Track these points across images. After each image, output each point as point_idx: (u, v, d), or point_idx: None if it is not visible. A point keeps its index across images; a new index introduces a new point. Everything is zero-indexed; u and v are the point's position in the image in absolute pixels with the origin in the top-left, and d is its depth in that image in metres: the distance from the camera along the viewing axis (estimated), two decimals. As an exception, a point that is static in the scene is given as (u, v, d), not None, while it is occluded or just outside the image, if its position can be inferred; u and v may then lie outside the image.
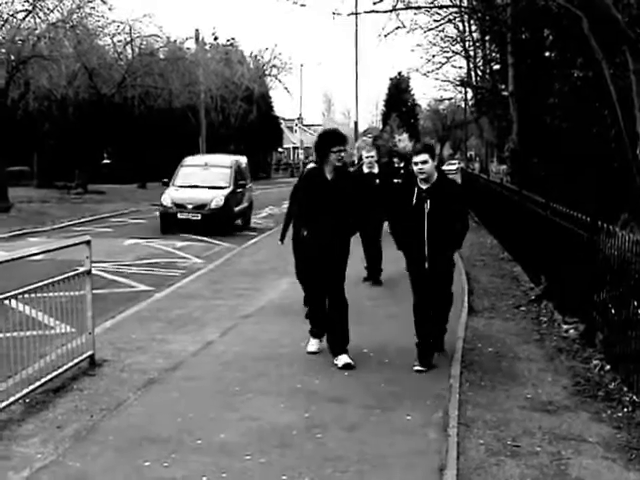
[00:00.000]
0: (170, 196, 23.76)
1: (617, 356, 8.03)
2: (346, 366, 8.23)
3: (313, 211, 8.57)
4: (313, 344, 9.00)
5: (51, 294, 7.55)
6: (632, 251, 7.76)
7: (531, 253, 13.62)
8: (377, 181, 13.23)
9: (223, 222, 23.01)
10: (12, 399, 6.75)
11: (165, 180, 26.07)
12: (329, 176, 8.53)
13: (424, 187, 8.16)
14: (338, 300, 8.62)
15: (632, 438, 6.41)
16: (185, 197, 23.54)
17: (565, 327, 10.01)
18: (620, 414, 7.00)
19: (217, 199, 23.32)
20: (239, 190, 25.22)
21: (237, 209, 24.81)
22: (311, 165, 9.29)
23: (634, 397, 7.23)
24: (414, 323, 8.43)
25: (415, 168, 8.10)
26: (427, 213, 8.06)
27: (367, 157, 13.31)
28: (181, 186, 24.47)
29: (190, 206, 23.12)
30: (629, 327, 7.62)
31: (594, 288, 9.11)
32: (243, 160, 28.04)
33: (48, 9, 32.57)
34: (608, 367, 8.14)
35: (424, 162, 8.07)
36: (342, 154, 8.49)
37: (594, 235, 9.06)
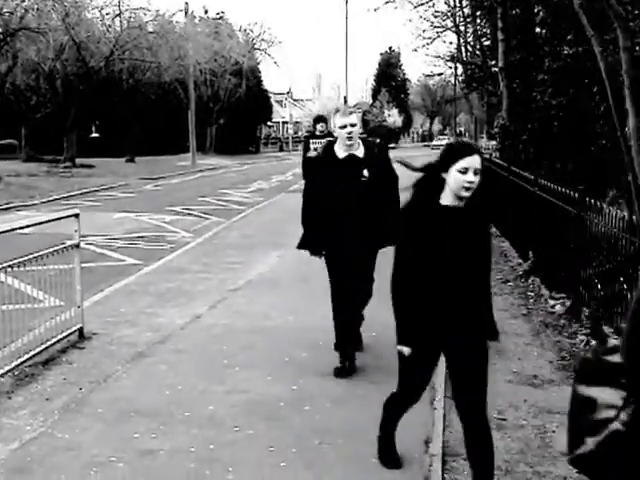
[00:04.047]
0: None
1: (603, 331, 8.09)
2: None
3: None
4: None
5: (40, 267, 7.57)
6: (619, 227, 7.82)
7: (519, 229, 13.67)
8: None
9: None
10: (1, 372, 6.78)
11: None
12: None
13: None
14: None
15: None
16: None
17: (552, 302, 10.06)
18: (604, 388, 7.07)
19: None
20: None
21: None
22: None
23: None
24: None
25: None
26: None
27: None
28: None
29: None
30: (615, 303, 7.68)
31: (581, 264, 9.16)
32: None
33: (36, -20, 32.42)
34: (594, 342, 8.19)
35: None
36: None
37: (582, 211, 9.10)
